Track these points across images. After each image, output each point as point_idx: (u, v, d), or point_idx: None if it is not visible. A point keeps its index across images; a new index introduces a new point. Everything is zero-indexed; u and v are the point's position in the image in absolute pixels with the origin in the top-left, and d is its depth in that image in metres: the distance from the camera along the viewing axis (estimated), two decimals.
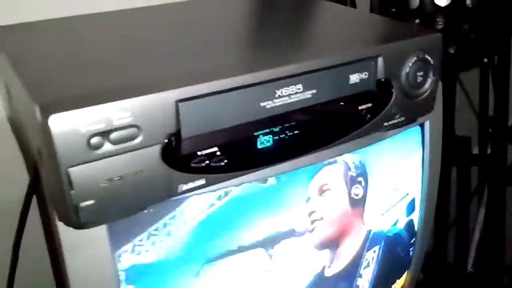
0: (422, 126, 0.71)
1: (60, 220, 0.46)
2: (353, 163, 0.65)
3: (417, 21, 0.94)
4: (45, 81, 0.47)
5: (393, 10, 0.95)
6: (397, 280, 0.79)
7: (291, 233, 0.61)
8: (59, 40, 0.61)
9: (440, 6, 0.94)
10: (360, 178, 0.65)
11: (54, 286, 0.87)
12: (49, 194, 0.49)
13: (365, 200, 0.67)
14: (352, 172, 0.65)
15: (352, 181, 0.64)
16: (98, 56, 0.55)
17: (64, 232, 0.47)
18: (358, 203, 0.66)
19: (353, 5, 0.99)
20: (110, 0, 0.79)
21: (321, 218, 0.63)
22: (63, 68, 0.51)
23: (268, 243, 0.60)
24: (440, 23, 0.95)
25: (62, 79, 0.47)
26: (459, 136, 1.28)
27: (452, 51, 1.03)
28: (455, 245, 1.36)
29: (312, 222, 0.62)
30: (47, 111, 0.39)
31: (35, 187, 0.71)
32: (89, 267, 0.50)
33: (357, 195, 0.65)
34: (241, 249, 0.58)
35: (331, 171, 0.62)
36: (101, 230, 0.48)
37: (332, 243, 0.66)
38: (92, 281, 0.51)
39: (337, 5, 0.74)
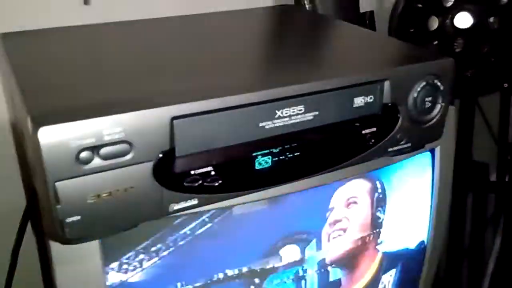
0: (432, 151, 0.69)
1: (47, 234, 0.45)
2: (379, 181, 0.64)
3: (435, 42, 0.93)
4: (41, 91, 0.46)
5: (412, 30, 0.94)
6: None
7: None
8: (61, 50, 0.60)
9: (460, 28, 0.92)
10: (382, 200, 0.64)
11: None
12: (41, 208, 0.48)
13: (383, 221, 0.65)
14: (378, 192, 0.64)
15: (377, 201, 0.64)
16: (97, 68, 0.54)
17: (55, 246, 0.47)
18: (378, 223, 0.65)
19: (372, 25, 0.98)
20: (114, 11, 0.79)
21: (344, 230, 0.61)
22: (61, 78, 0.50)
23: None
24: (459, 45, 0.93)
25: (58, 90, 0.47)
26: (476, 161, 1.26)
27: (469, 75, 1.01)
28: (469, 274, 1.33)
29: (334, 231, 0.61)
30: (37, 123, 0.39)
31: (31, 206, 0.70)
32: (79, 282, 0.49)
33: (378, 218, 0.64)
34: (237, 276, 0.57)
35: (359, 184, 0.62)
36: (92, 246, 0.48)
37: (349, 262, 0.65)
38: None
39: (352, 26, 0.72)
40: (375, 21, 0.98)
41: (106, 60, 0.56)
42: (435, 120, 0.55)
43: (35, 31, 0.65)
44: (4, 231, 0.77)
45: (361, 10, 0.93)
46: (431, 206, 0.72)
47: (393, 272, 0.70)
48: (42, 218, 0.46)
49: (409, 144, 0.55)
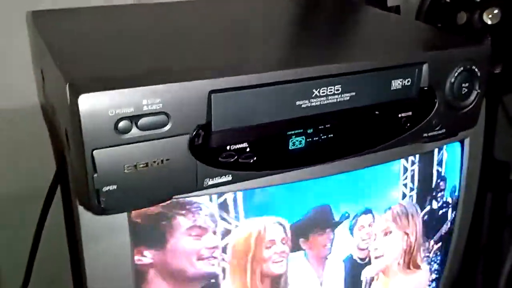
0: (462, 144, 0.68)
1: (81, 205, 0.45)
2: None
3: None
4: (78, 64, 0.46)
5: (439, 25, 0.93)
6: None
7: None
8: (96, 26, 0.60)
9: (488, 24, 0.91)
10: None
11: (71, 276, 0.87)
12: (73, 179, 0.48)
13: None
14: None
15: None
16: (134, 42, 0.54)
17: (85, 219, 0.47)
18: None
19: None
20: None
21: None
22: (98, 52, 0.50)
23: None
24: (487, 41, 0.92)
25: (95, 62, 0.47)
26: (497, 160, 1.24)
27: (497, 71, 0.99)
28: (484, 273, 1.32)
29: None
30: (77, 91, 0.38)
31: (60, 175, 0.71)
32: (107, 257, 0.49)
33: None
34: None
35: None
36: (122, 221, 0.48)
37: None
38: (109, 271, 0.50)
39: (383, 12, 0.72)
40: (400, 15, 0.98)
41: (142, 36, 0.56)
42: (470, 107, 0.55)
43: (65, 9, 0.66)
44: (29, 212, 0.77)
45: (389, 4, 0.93)
46: (457, 199, 0.72)
47: None
48: (75, 189, 0.46)
49: (443, 130, 0.54)
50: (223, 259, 0.54)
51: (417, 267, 0.71)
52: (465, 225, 0.76)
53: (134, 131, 0.40)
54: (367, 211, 0.61)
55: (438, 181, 0.66)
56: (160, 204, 0.48)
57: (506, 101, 1.25)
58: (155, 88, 0.40)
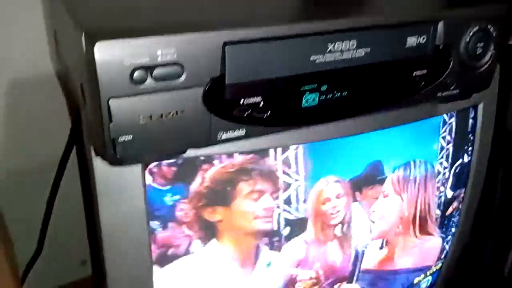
0: (475, 108, 0.68)
1: (98, 155, 0.45)
2: None
3: None
4: (94, 16, 0.46)
5: None
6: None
7: None
8: None
9: None
10: None
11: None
12: (88, 132, 0.49)
13: None
14: None
15: None
16: None
17: (100, 172, 0.47)
18: None
19: None
20: None
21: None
22: (113, 5, 0.50)
23: None
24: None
25: (110, 15, 0.47)
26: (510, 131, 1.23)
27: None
28: (494, 246, 1.31)
29: None
30: (93, 39, 0.39)
31: (75, 137, 0.71)
32: (121, 210, 0.49)
33: None
34: None
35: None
36: (136, 172, 0.48)
37: None
38: (124, 224, 0.50)
39: None
40: None
41: None
42: (485, 67, 0.54)
43: None
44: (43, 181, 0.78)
45: None
46: (468, 169, 0.72)
47: None
48: (93, 142, 0.47)
49: (457, 91, 0.54)
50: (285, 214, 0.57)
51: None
52: (475, 194, 0.76)
53: (149, 82, 0.40)
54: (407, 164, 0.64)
55: (470, 135, 0.68)
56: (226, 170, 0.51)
57: None
58: (170, 38, 0.40)
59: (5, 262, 0.68)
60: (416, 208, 0.67)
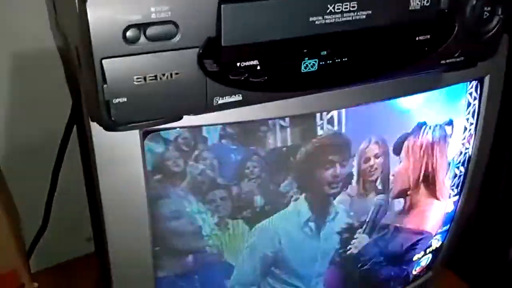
0: (481, 83, 0.67)
1: (93, 120, 0.45)
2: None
3: None
4: None
5: None
6: None
7: None
8: None
9: None
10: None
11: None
12: (85, 98, 0.48)
13: None
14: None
15: None
16: None
17: (98, 138, 0.47)
18: None
19: None
20: None
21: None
22: None
23: None
24: None
25: None
26: None
27: None
28: (497, 231, 1.30)
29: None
30: None
31: (76, 112, 0.71)
32: (120, 177, 0.49)
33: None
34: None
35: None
36: (134, 141, 0.48)
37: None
38: (123, 195, 0.50)
39: None
40: None
41: None
42: (491, 33, 0.53)
43: None
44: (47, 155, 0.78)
45: None
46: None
47: None
48: (88, 107, 0.46)
49: (462, 58, 0.52)
50: None
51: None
52: (478, 173, 0.75)
53: (143, 41, 0.40)
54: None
55: None
56: None
57: None
58: None
59: (12, 237, 0.68)
60: (433, 170, 0.69)
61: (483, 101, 0.68)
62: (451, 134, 0.68)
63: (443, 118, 0.66)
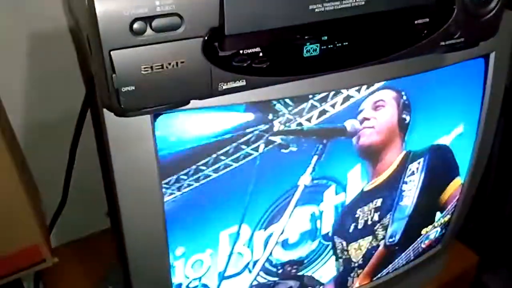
0: (486, 60, 0.68)
1: (104, 107, 0.47)
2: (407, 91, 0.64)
3: None
4: None
5: None
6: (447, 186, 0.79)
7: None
8: None
9: None
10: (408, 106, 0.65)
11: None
12: (97, 84, 0.51)
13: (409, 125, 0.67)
14: (405, 99, 0.64)
15: (403, 106, 0.64)
16: None
17: (110, 125, 0.49)
18: (403, 126, 0.66)
19: None
20: None
21: (372, 127, 0.64)
22: None
23: None
24: None
25: None
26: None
27: None
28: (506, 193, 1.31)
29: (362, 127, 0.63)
30: None
31: (90, 96, 0.74)
32: (133, 163, 0.52)
33: (405, 120, 0.64)
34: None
35: (387, 93, 0.63)
36: (145, 123, 0.50)
37: (375, 153, 0.67)
38: (136, 178, 0.53)
39: None
40: None
41: None
42: (491, 14, 0.53)
43: None
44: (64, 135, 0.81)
45: None
46: (479, 118, 0.72)
47: (421, 160, 0.71)
48: (99, 94, 0.48)
49: (462, 39, 0.53)
50: None
51: None
52: (484, 151, 0.76)
53: (149, 33, 0.42)
54: None
55: None
56: None
57: None
58: None
59: (33, 213, 0.71)
60: None
61: (489, 77, 0.69)
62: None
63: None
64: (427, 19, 0.51)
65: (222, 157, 0.56)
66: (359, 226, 0.71)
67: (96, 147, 0.87)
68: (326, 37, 0.48)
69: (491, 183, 1.30)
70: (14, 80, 0.81)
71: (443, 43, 0.53)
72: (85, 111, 0.77)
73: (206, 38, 0.44)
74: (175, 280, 0.62)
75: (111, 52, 0.41)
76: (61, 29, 0.81)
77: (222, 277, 0.66)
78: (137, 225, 0.56)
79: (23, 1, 0.76)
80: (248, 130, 0.56)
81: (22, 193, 0.69)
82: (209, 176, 0.57)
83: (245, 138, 0.56)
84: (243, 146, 0.57)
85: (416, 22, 0.51)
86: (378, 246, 0.76)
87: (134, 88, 0.43)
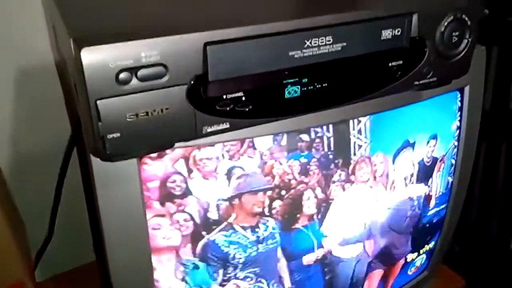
0: (462, 92, 0.70)
1: (90, 152, 0.48)
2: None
3: None
4: (83, 18, 0.49)
5: None
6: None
7: None
8: None
9: None
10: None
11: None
12: (84, 130, 0.52)
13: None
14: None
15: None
16: None
17: (97, 167, 0.50)
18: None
19: None
20: None
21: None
22: (101, 6, 0.53)
23: None
24: None
25: (98, 17, 0.49)
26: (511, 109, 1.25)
27: (510, 20, 0.99)
28: (499, 220, 1.34)
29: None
30: (80, 44, 0.41)
31: (76, 133, 0.74)
32: (119, 201, 0.53)
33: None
34: None
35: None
36: (131, 166, 0.51)
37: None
38: (122, 215, 0.54)
39: None
40: None
41: None
42: (461, 55, 0.56)
43: None
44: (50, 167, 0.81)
45: None
46: (457, 148, 0.74)
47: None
48: (86, 139, 0.50)
49: (435, 78, 0.56)
50: None
51: None
52: (465, 176, 0.78)
53: (134, 82, 0.43)
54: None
55: None
56: None
57: None
58: (152, 41, 0.43)
59: (17, 249, 0.71)
60: None
61: (464, 108, 0.71)
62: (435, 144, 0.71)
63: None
64: (401, 61, 0.53)
65: None
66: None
67: (82, 183, 0.87)
68: (306, 79, 0.50)
69: (475, 206, 1.32)
70: (1, 113, 0.81)
71: (417, 83, 0.55)
72: (72, 148, 0.78)
73: (190, 85, 0.45)
74: None
75: (97, 102, 0.43)
76: (48, 64, 0.81)
77: None
78: (122, 261, 0.57)
79: (11, 35, 0.77)
80: None
81: (6, 229, 0.68)
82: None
83: None
84: None
85: (390, 64, 0.53)
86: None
87: (119, 135, 0.44)
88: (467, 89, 0.70)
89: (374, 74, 0.53)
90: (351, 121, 0.61)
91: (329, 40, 0.49)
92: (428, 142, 0.70)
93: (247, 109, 0.49)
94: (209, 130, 0.48)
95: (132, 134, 0.45)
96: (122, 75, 0.42)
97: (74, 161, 0.80)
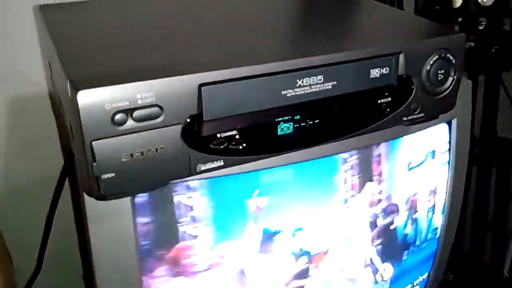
0: (449, 123, 0.71)
1: (84, 191, 0.49)
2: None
3: (459, 19, 0.94)
4: (79, 59, 0.50)
5: (437, 8, 0.96)
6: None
7: None
8: (96, 20, 0.64)
9: (483, 6, 0.94)
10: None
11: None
12: (78, 167, 0.52)
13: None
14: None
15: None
16: (130, 37, 0.57)
17: (89, 203, 0.50)
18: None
19: (400, 4, 1.00)
20: None
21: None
22: (97, 47, 0.54)
23: None
24: (482, 22, 0.95)
25: (94, 58, 0.50)
26: (500, 137, 1.27)
27: (493, 51, 1.02)
28: (492, 247, 1.34)
29: None
30: (76, 87, 0.42)
31: (68, 166, 0.75)
32: (112, 239, 0.53)
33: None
34: None
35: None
36: (124, 204, 0.51)
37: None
38: (114, 252, 0.54)
39: (375, 3, 0.75)
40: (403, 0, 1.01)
41: (139, 30, 0.60)
42: (447, 91, 0.58)
43: (70, 3, 0.69)
44: (41, 198, 0.81)
45: None
46: (447, 178, 0.75)
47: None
48: (79, 177, 0.50)
49: (422, 114, 0.57)
50: None
51: None
52: (456, 207, 0.79)
53: (130, 123, 0.44)
54: None
55: None
56: None
57: (506, 79, 1.27)
58: (148, 83, 0.44)
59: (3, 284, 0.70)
60: None
61: (453, 140, 0.73)
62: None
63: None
64: (389, 99, 0.55)
65: None
66: None
67: (74, 216, 0.87)
68: (298, 116, 0.51)
69: (468, 233, 1.33)
70: None
71: (405, 118, 0.57)
72: (64, 179, 0.78)
73: (185, 124, 0.46)
74: None
75: (93, 143, 0.43)
76: (42, 93, 0.82)
77: None
78: None
79: (4, 65, 0.78)
80: None
81: None
82: None
83: None
84: None
85: (379, 101, 0.54)
86: None
87: (114, 175, 0.45)
88: (454, 122, 0.71)
89: (364, 111, 0.55)
90: None
91: (320, 79, 0.50)
92: None
93: (241, 147, 0.50)
94: (203, 168, 0.49)
95: (127, 174, 0.45)
96: (118, 116, 0.43)
97: (65, 192, 0.80)
